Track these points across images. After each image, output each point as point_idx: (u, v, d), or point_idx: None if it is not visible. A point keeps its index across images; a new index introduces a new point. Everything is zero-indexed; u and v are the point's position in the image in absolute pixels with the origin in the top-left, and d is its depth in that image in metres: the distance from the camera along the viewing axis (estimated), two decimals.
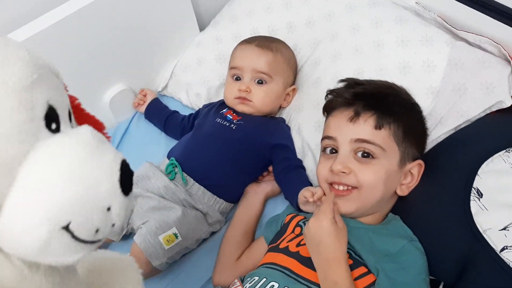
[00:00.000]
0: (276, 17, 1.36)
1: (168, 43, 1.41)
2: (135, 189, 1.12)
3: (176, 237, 1.07)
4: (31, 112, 0.48)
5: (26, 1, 1.19)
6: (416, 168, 0.96)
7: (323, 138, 1.00)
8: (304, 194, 1.01)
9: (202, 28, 1.47)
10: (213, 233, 1.18)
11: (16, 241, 0.46)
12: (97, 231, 0.50)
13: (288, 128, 1.24)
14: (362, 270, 0.84)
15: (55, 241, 0.47)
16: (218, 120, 1.20)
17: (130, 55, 1.33)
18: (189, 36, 1.44)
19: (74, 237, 0.48)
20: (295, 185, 1.07)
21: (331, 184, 0.96)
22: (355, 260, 0.86)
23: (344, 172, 0.91)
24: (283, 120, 1.26)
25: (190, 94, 1.41)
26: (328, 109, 1.03)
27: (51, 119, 0.51)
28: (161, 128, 1.38)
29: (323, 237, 0.82)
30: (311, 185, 1.09)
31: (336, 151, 0.96)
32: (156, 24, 1.34)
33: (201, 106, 1.37)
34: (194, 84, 1.39)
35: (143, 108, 1.40)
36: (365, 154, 0.91)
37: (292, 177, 1.12)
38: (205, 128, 1.21)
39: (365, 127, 0.93)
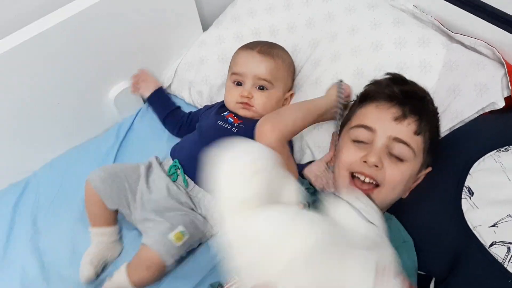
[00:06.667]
0: (277, 17, 1.38)
1: (172, 43, 1.43)
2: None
3: (184, 234, 1.08)
4: None
5: (32, 0, 1.22)
6: (424, 175, 0.98)
7: (357, 126, 0.97)
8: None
9: (205, 28, 1.49)
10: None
11: None
12: None
13: None
14: None
15: None
16: (220, 122, 1.22)
17: (135, 54, 1.35)
18: (192, 36, 1.46)
19: None
20: None
21: (351, 174, 0.94)
22: None
23: (377, 166, 0.91)
24: None
25: (192, 92, 1.43)
26: (367, 98, 1.02)
27: None
28: (161, 117, 1.40)
29: None
30: None
31: (363, 142, 0.95)
32: (161, 24, 1.36)
33: (203, 104, 1.39)
34: (197, 83, 1.42)
35: (142, 91, 1.41)
36: (397, 154, 0.92)
37: None
38: (207, 130, 1.23)
39: (407, 130, 0.93)
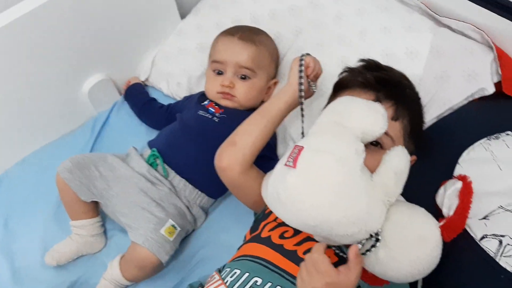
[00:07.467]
0: (258, 4, 1.34)
1: (149, 32, 1.38)
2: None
3: (175, 228, 1.06)
4: None
5: None
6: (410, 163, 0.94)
7: None
8: None
9: (183, 16, 1.44)
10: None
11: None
12: None
13: None
14: None
15: None
16: (200, 112, 1.18)
17: (110, 44, 1.30)
18: (170, 24, 1.41)
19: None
20: None
21: None
22: (340, 258, 0.83)
23: None
24: None
25: (170, 84, 1.38)
26: (340, 86, 0.98)
27: None
28: (136, 112, 1.37)
29: None
30: None
31: None
32: (136, 12, 1.31)
33: (182, 96, 1.35)
34: (175, 74, 1.37)
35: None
36: (375, 143, 0.88)
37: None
38: (187, 120, 1.19)
39: None
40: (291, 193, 0.72)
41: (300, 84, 0.93)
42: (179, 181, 1.12)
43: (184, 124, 1.18)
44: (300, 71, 0.94)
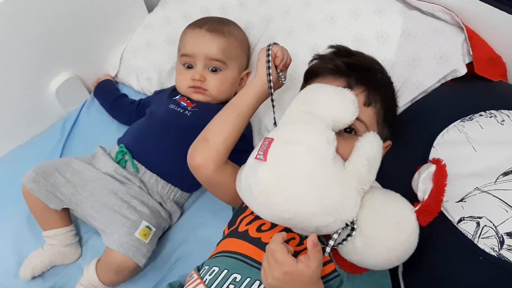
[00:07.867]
0: None
1: (115, 26, 1.35)
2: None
3: (150, 229, 1.03)
4: None
5: None
6: (385, 148, 0.93)
7: None
8: None
9: (150, 9, 1.42)
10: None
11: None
12: None
13: None
14: (324, 258, 0.79)
15: None
16: (172, 106, 1.16)
17: (76, 40, 1.26)
18: (137, 18, 1.38)
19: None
20: None
21: None
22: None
23: None
24: None
25: (140, 79, 1.36)
26: (311, 74, 0.96)
27: None
28: (107, 108, 1.34)
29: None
30: None
31: None
32: (101, 6, 1.28)
33: (152, 91, 1.32)
34: (145, 68, 1.35)
35: None
36: (349, 130, 0.86)
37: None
38: (158, 114, 1.16)
39: None
40: (263, 187, 0.70)
41: (269, 75, 0.92)
42: (150, 176, 1.10)
43: (154, 118, 1.16)
44: (268, 61, 0.92)
